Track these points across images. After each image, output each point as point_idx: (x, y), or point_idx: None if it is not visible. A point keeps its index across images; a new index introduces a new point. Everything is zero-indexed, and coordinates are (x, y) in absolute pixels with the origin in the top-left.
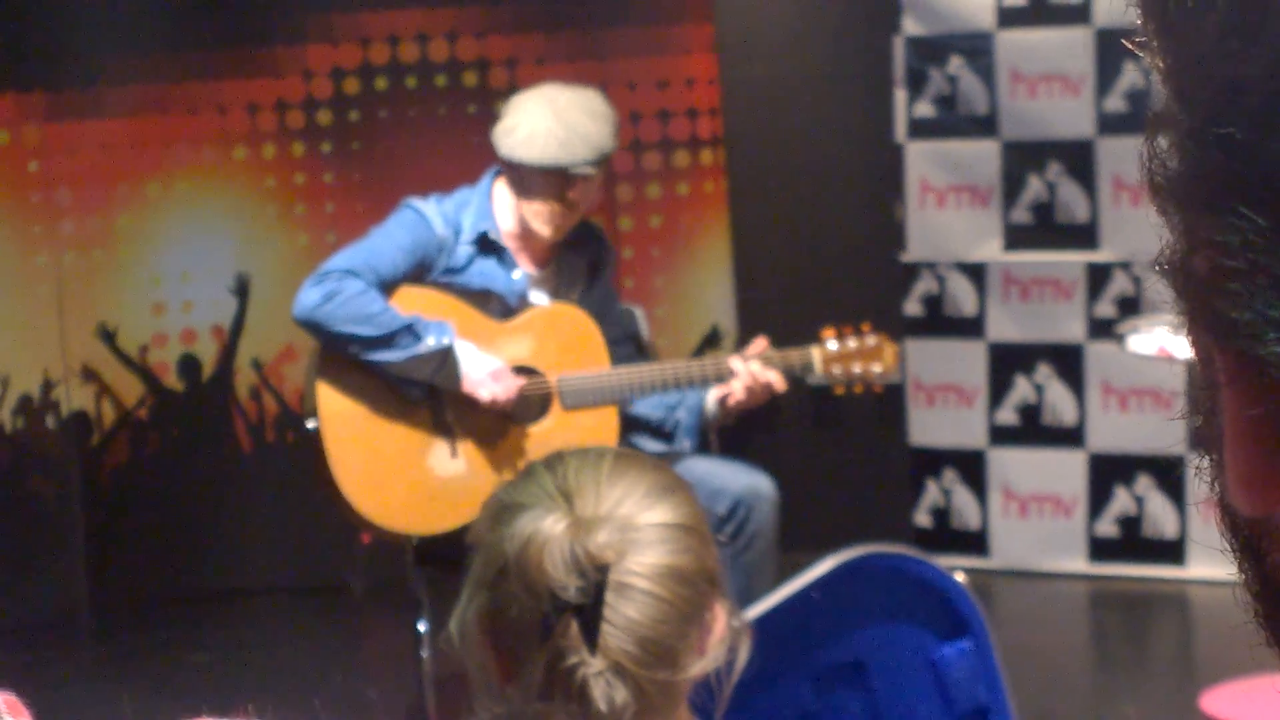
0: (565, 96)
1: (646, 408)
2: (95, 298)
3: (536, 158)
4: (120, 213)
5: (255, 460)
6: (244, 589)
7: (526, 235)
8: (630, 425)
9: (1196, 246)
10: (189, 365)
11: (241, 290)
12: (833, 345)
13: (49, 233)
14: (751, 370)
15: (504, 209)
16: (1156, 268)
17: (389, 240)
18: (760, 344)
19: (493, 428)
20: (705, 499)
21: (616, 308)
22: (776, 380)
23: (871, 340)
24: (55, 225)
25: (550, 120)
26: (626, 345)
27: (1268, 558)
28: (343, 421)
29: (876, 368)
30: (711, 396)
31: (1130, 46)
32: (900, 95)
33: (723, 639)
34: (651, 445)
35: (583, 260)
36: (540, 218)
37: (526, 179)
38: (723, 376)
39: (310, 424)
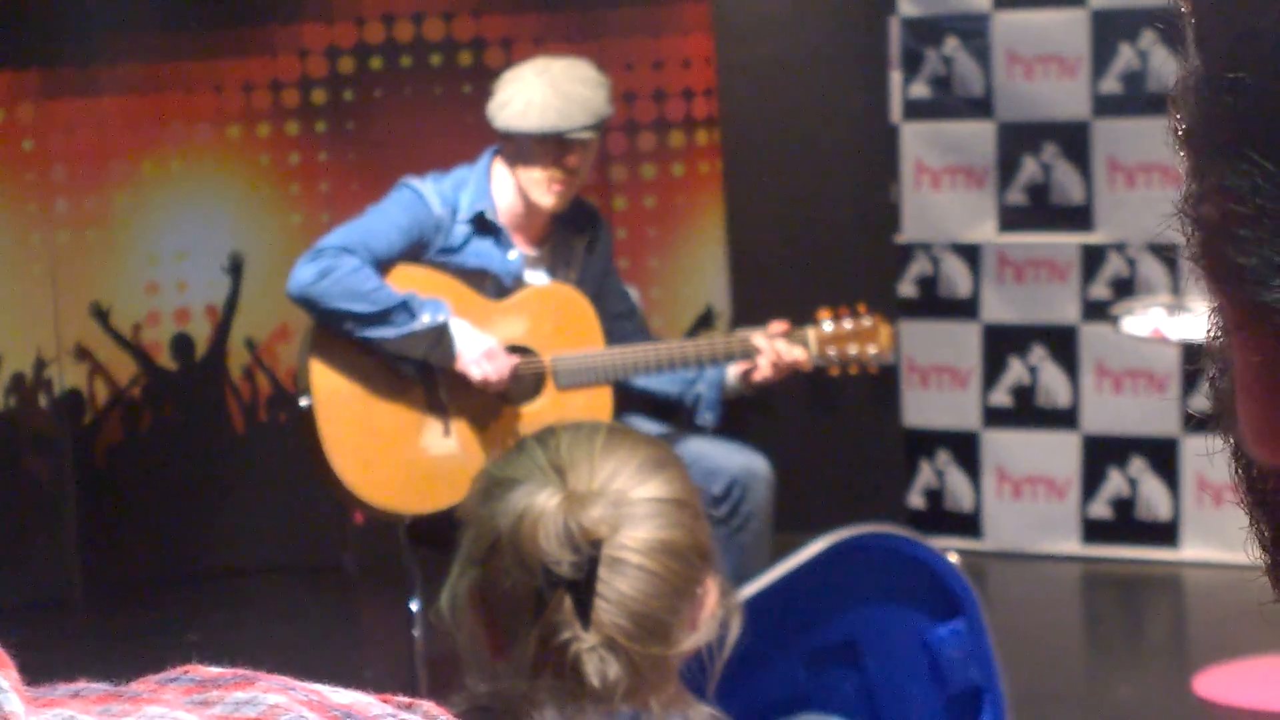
0: (558, 66)
1: (663, 383)
2: (89, 276)
3: (534, 125)
4: (115, 191)
5: (248, 440)
6: (237, 568)
7: (524, 214)
8: (640, 401)
9: (1208, 193)
10: (182, 344)
11: (235, 269)
12: (828, 326)
13: (43, 211)
14: (777, 348)
15: (502, 188)
16: (1173, 215)
17: (385, 219)
18: (781, 325)
19: (486, 407)
20: (701, 478)
21: (617, 284)
22: (803, 357)
23: (867, 321)
24: (49, 204)
25: (545, 89)
26: (630, 320)
27: None
28: (336, 399)
29: (872, 349)
30: (732, 371)
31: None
32: (896, 76)
33: (714, 614)
34: (647, 425)
35: (579, 239)
36: (541, 186)
37: (525, 149)
38: (748, 353)
39: (303, 401)
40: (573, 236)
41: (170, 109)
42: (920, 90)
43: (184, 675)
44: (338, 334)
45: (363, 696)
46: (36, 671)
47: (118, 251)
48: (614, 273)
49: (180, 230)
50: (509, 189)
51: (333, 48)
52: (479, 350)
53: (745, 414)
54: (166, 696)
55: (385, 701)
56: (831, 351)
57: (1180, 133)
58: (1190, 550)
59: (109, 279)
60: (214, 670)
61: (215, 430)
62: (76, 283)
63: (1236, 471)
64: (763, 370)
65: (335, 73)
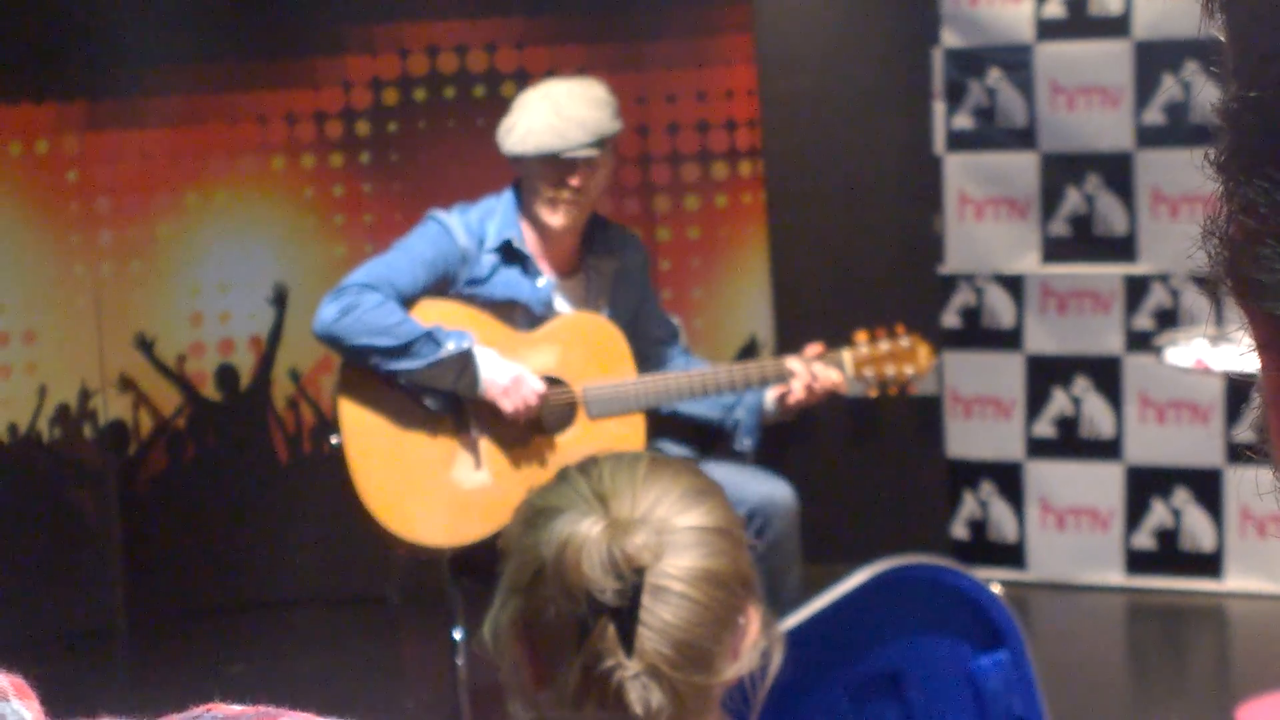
0: (563, 88)
1: (703, 408)
2: (133, 307)
3: (533, 148)
4: (159, 222)
5: (292, 471)
6: (281, 599)
7: (550, 240)
8: (670, 426)
9: (1233, 213)
10: (227, 375)
11: (279, 300)
12: (864, 348)
13: (87, 242)
14: (813, 370)
15: (528, 216)
16: (1200, 238)
17: (409, 253)
18: (816, 347)
19: (518, 438)
20: None
21: (656, 309)
22: (838, 379)
23: (905, 342)
24: (93, 235)
25: (546, 112)
26: (670, 345)
27: None
28: (366, 437)
29: (909, 369)
30: (770, 396)
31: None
32: (939, 107)
33: (756, 643)
34: (674, 449)
35: (610, 264)
36: (547, 207)
37: (530, 172)
38: (782, 376)
39: (334, 440)
40: (603, 262)
41: (214, 141)
42: (963, 121)
43: (206, 713)
44: (366, 371)
45: None
46: (81, 700)
47: (162, 283)
48: (653, 298)
49: (224, 261)
50: (531, 217)
51: (376, 79)
52: (508, 377)
53: (787, 444)
54: None
55: None
56: (869, 373)
57: (1213, 155)
58: (1234, 581)
59: (153, 310)
60: (236, 708)
61: (259, 461)
62: (121, 314)
63: None
64: (797, 393)
65: (379, 104)
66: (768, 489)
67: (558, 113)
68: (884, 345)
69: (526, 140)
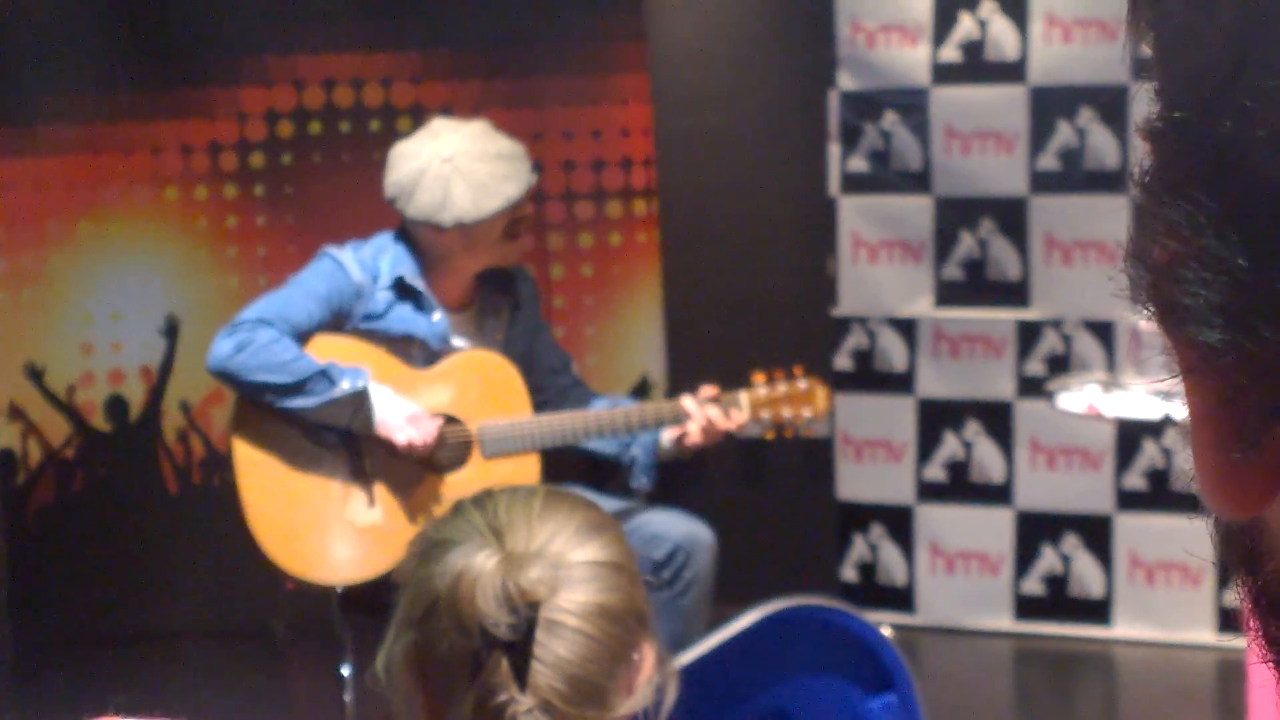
0: (453, 139)
1: (599, 444)
2: (23, 336)
3: (498, 204)
4: (51, 251)
5: (181, 502)
6: (168, 631)
7: (445, 276)
8: (577, 468)
9: (1156, 235)
10: (116, 406)
11: (171, 331)
12: (762, 390)
13: None
14: (708, 414)
15: (422, 253)
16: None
17: (303, 289)
18: (711, 389)
19: (411, 476)
20: (643, 543)
21: (549, 340)
22: (736, 422)
23: (802, 384)
24: None
25: (478, 165)
26: (564, 375)
27: (1263, 566)
28: (259, 473)
29: (807, 412)
30: (666, 436)
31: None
32: (834, 149)
33: (651, 678)
34: (590, 494)
35: (505, 298)
36: (509, 246)
37: (481, 231)
38: (679, 418)
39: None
40: (497, 296)
41: (109, 170)
42: (858, 164)
43: None
44: (260, 406)
45: None
46: None
47: (53, 311)
48: (546, 329)
49: (116, 291)
50: (428, 254)
51: (272, 111)
52: (402, 415)
53: (679, 484)
54: None
55: None
56: (765, 415)
57: (1136, 175)
58: (1122, 628)
59: (43, 339)
60: None
61: (148, 492)
62: (11, 342)
63: (1216, 533)
64: (693, 435)
65: (274, 136)
66: (688, 527)
67: (486, 161)
68: (781, 388)
69: (483, 203)
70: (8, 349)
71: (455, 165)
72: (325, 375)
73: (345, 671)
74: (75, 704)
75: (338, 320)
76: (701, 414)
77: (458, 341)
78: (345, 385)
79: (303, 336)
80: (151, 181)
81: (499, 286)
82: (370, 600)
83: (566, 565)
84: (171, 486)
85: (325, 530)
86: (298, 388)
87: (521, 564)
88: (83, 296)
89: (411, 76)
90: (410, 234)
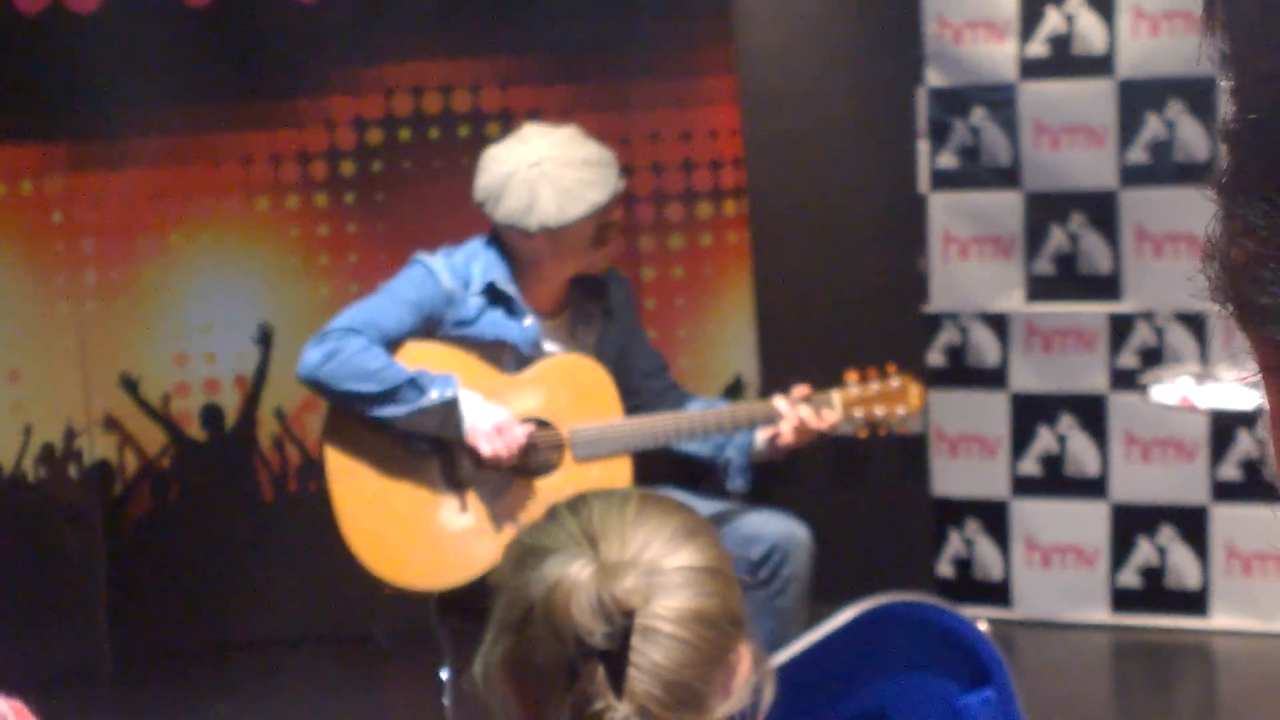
0: (542, 144)
1: (693, 446)
2: (118, 348)
3: (583, 209)
4: (143, 263)
5: (278, 510)
6: (266, 639)
7: (536, 281)
8: (672, 472)
9: (1234, 236)
10: (212, 415)
11: (264, 340)
12: (854, 388)
13: (72, 282)
14: (800, 414)
15: (514, 258)
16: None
17: (394, 296)
18: (804, 389)
19: (504, 480)
20: (740, 543)
21: (643, 343)
22: (825, 423)
23: (895, 382)
24: (78, 275)
25: (564, 170)
26: (659, 378)
27: None
28: (352, 480)
29: (901, 410)
30: (760, 436)
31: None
32: (923, 146)
33: (747, 681)
34: (685, 497)
35: (596, 303)
36: (597, 254)
37: (568, 237)
38: (771, 418)
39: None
40: (590, 302)
41: (199, 181)
42: (947, 160)
43: None
44: (351, 415)
45: None
46: None
47: (147, 323)
48: (639, 332)
49: (209, 301)
50: (519, 259)
51: (360, 119)
52: (490, 423)
53: (775, 484)
54: None
55: None
56: (858, 413)
57: (1214, 177)
58: (1219, 619)
59: (138, 350)
60: None
61: (244, 501)
62: (106, 353)
63: None
64: (786, 436)
65: (364, 144)
66: (785, 526)
67: (572, 165)
68: (874, 386)
69: (570, 208)
70: (103, 361)
71: (542, 170)
72: (414, 384)
73: (444, 676)
74: (174, 714)
75: (428, 327)
76: (794, 414)
77: (549, 347)
78: (434, 394)
79: (392, 344)
80: (242, 192)
81: (591, 292)
82: (467, 604)
83: (661, 572)
84: (268, 495)
85: (419, 537)
86: (387, 396)
87: (616, 573)
88: (176, 307)
89: (500, 82)
90: (501, 239)
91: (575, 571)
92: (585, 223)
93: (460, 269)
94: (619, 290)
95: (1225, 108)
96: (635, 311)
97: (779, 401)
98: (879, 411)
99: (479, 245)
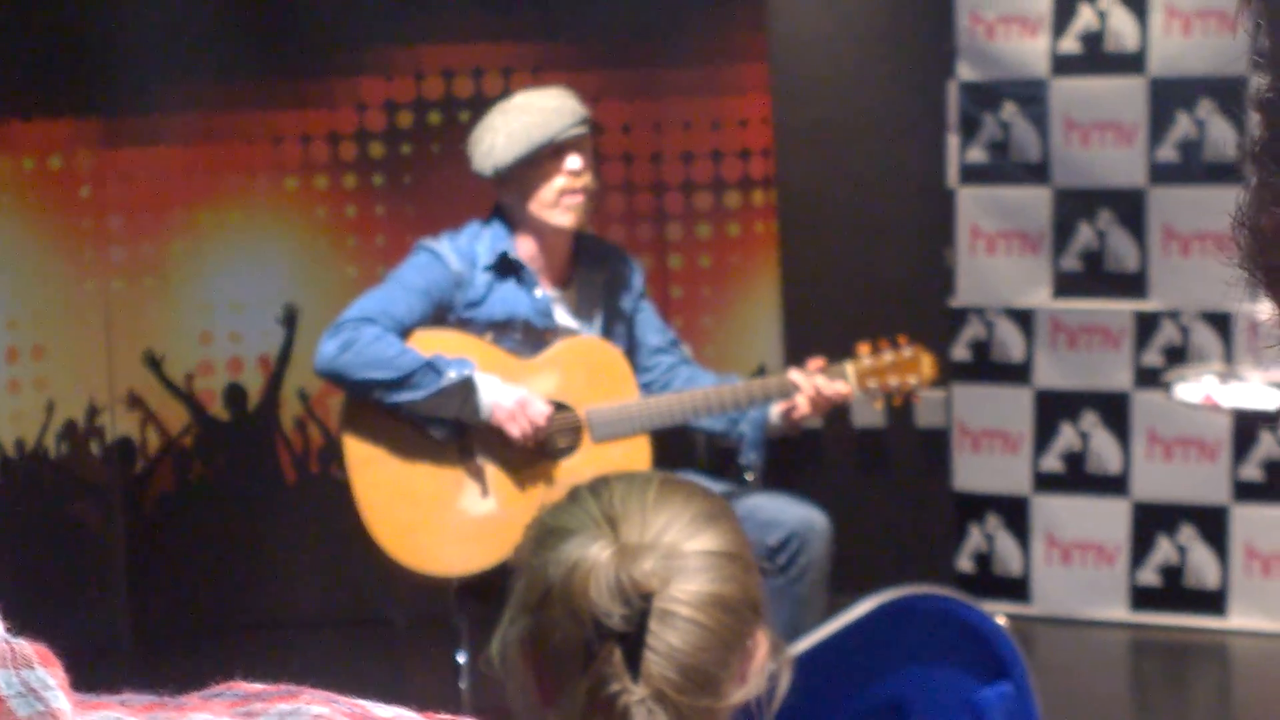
0: (520, 96)
1: (707, 421)
2: (143, 325)
3: (523, 147)
4: (171, 240)
5: (299, 491)
6: (286, 619)
7: (542, 253)
8: (690, 448)
9: (1265, 204)
10: (235, 395)
11: (290, 321)
12: (866, 359)
13: (98, 259)
14: (816, 383)
15: (517, 234)
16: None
17: (403, 284)
18: (818, 361)
19: (523, 464)
20: (759, 529)
21: (653, 318)
22: (844, 390)
23: (907, 352)
24: (105, 251)
25: (520, 115)
26: (670, 353)
27: None
28: (371, 469)
29: (913, 379)
30: (775, 410)
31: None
32: (953, 140)
33: (764, 667)
34: (705, 481)
35: (600, 278)
36: (552, 207)
37: (525, 178)
38: (786, 392)
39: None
40: (593, 274)
41: (229, 159)
42: (977, 155)
43: (229, 690)
44: (370, 404)
45: (406, 712)
46: None
47: (172, 301)
48: (648, 308)
49: (235, 280)
50: (522, 233)
51: (391, 101)
52: (512, 400)
53: (797, 472)
54: (212, 707)
55: (429, 718)
56: (872, 384)
57: (1250, 146)
58: (1238, 619)
59: (163, 328)
60: (258, 685)
61: (266, 481)
62: (130, 331)
63: None
64: (801, 407)
65: (393, 126)
66: (803, 513)
67: (529, 111)
68: (887, 356)
69: (510, 147)
70: (127, 338)
71: (506, 118)
72: (431, 367)
73: (461, 660)
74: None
75: (440, 312)
76: (810, 384)
77: (560, 318)
78: (452, 374)
79: (405, 331)
80: (271, 171)
81: (594, 264)
82: (487, 588)
83: (680, 555)
84: (289, 475)
85: (440, 523)
86: (405, 382)
87: (635, 555)
88: (202, 286)
89: (531, 67)
90: (501, 214)
91: (595, 553)
92: (532, 165)
93: (465, 250)
94: (622, 266)
95: (1258, 77)
96: (643, 290)
97: (794, 374)
98: (892, 381)
99: (477, 225)
